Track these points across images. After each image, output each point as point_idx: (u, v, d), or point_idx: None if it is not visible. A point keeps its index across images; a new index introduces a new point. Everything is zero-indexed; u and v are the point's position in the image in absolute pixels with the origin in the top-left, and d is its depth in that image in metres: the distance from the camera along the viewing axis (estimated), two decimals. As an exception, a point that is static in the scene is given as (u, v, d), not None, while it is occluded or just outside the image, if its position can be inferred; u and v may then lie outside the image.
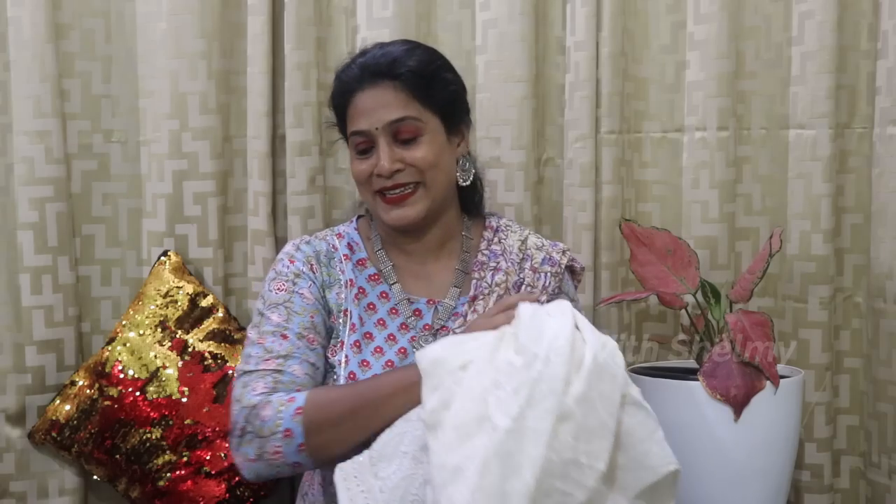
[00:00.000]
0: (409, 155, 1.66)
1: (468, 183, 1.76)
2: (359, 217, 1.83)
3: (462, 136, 1.76)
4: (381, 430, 1.45)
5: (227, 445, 1.95)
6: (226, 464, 1.96)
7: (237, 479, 1.96)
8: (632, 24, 2.12)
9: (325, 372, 1.67)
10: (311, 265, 1.71)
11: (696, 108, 2.11)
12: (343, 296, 1.70)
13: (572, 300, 1.76)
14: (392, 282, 1.72)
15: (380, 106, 1.66)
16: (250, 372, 1.59)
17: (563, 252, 1.79)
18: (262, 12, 2.06)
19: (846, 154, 2.10)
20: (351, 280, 1.71)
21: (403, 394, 1.47)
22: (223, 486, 1.96)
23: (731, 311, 1.86)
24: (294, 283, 1.68)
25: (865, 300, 2.10)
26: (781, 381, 1.78)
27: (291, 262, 1.71)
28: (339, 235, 1.77)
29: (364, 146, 1.68)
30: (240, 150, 2.14)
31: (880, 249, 2.03)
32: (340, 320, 1.69)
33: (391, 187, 1.67)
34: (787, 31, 2.09)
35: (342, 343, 1.67)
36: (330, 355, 1.67)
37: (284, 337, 1.61)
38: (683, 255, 1.92)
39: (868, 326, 2.08)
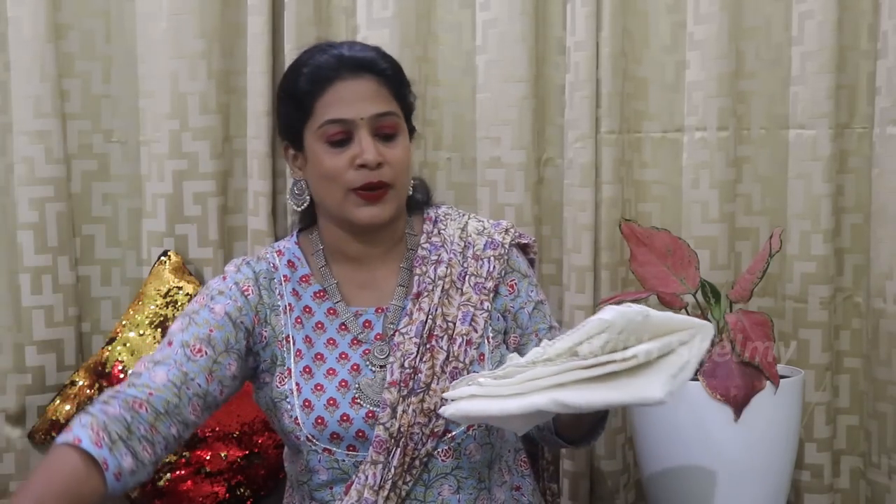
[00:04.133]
0: (389, 153, 1.61)
1: (411, 192, 1.70)
2: (299, 231, 1.75)
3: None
4: None
5: (227, 446, 1.95)
6: (226, 464, 1.96)
7: (237, 479, 1.96)
8: (632, 24, 2.12)
9: (274, 402, 1.61)
10: (249, 288, 1.63)
11: (696, 108, 2.11)
12: (283, 322, 1.63)
13: (525, 276, 1.70)
14: (336, 300, 1.66)
15: (363, 97, 1.60)
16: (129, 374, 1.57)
17: (506, 231, 1.71)
18: (262, 12, 2.06)
19: (846, 154, 2.10)
20: (290, 304, 1.64)
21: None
22: (223, 486, 1.96)
23: (731, 311, 1.87)
24: (212, 299, 1.61)
25: (865, 300, 2.10)
26: (781, 381, 1.78)
27: (224, 279, 1.65)
28: (280, 252, 1.70)
29: (339, 136, 1.60)
30: (240, 150, 2.14)
31: (880, 249, 2.03)
32: (284, 347, 1.62)
33: (376, 184, 1.59)
34: (787, 31, 2.09)
35: (289, 371, 1.60)
36: (278, 384, 1.61)
37: (170, 344, 1.56)
38: (683, 255, 1.92)
39: (868, 326, 2.08)
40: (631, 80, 2.12)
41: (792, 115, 2.10)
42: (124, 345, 2.01)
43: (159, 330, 2.01)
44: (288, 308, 1.64)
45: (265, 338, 1.62)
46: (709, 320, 1.87)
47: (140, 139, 2.12)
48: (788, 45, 2.09)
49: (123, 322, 2.04)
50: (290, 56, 2.06)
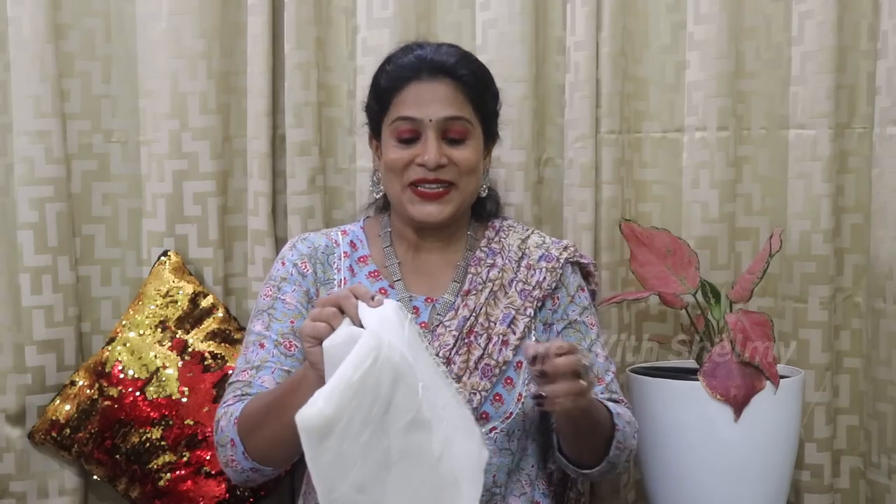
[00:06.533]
0: (457, 153, 1.67)
1: (485, 195, 1.78)
2: (366, 218, 1.84)
3: (488, 152, 1.79)
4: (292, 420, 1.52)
5: (227, 445, 1.95)
6: (226, 464, 1.96)
7: (237, 479, 1.96)
8: (632, 24, 2.12)
9: None
10: (304, 263, 1.72)
11: (696, 108, 2.11)
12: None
13: (570, 295, 1.76)
14: (396, 278, 1.73)
15: (437, 100, 1.67)
16: (231, 383, 1.67)
17: (565, 248, 1.78)
18: (262, 12, 2.06)
19: (846, 154, 2.10)
20: (345, 279, 1.72)
21: (298, 390, 1.48)
22: (223, 486, 1.96)
23: (731, 311, 1.87)
24: (279, 289, 1.71)
25: (865, 300, 2.10)
26: (781, 381, 1.78)
27: (283, 264, 1.74)
28: (344, 232, 1.79)
29: (408, 134, 1.68)
30: (240, 150, 2.14)
31: (880, 249, 2.03)
32: None
33: (432, 180, 1.66)
34: (787, 31, 2.09)
35: None
36: None
37: (262, 346, 1.67)
38: (683, 255, 1.92)
39: (868, 326, 2.08)
40: (631, 80, 2.13)
41: (792, 115, 2.10)
42: (124, 345, 2.01)
43: (159, 330, 2.01)
44: (343, 282, 1.72)
45: None
46: (709, 320, 1.88)
47: (140, 139, 2.12)
48: (788, 45, 2.09)
49: (123, 322, 2.04)
50: (290, 56, 2.06)
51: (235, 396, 1.64)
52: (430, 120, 1.66)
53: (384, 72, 1.73)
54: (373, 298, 1.38)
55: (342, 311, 1.37)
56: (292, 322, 1.67)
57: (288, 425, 1.50)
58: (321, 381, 1.35)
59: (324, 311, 1.38)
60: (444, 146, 1.67)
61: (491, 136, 1.77)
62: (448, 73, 1.68)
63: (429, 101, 1.66)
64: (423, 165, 1.66)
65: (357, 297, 1.38)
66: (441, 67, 1.68)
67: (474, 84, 1.70)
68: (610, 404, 1.71)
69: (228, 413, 1.61)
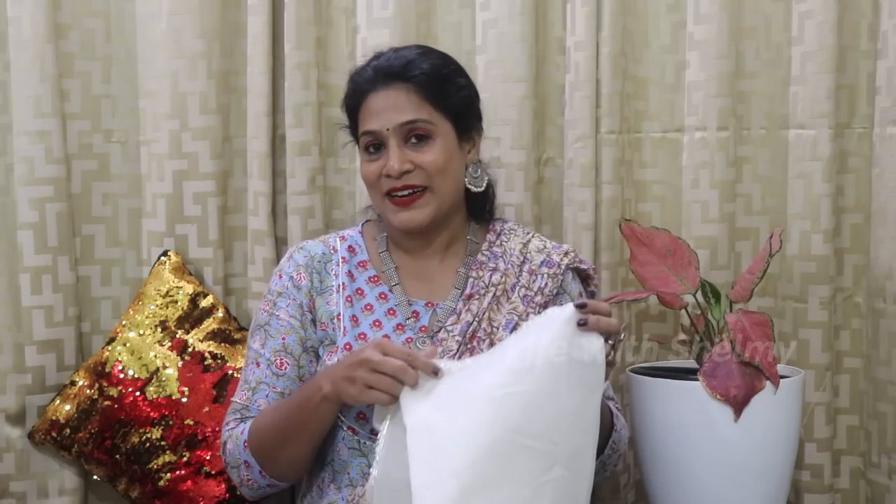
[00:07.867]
0: (420, 157, 1.66)
1: (481, 189, 1.76)
2: (365, 221, 1.84)
3: (473, 143, 1.76)
4: (311, 440, 1.58)
5: (227, 445, 1.95)
6: (226, 464, 1.96)
7: (237, 479, 1.96)
8: (632, 24, 2.12)
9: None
10: (300, 275, 1.72)
11: (696, 108, 2.11)
12: (334, 301, 1.70)
13: (573, 300, 1.76)
14: (393, 283, 1.72)
15: (391, 107, 1.66)
16: (232, 401, 1.71)
17: (566, 253, 1.78)
18: (262, 12, 2.06)
19: (846, 154, 2.10)
20: (343, 284, 1.71)
21: (316, 407, 1.54)
22: (223, 486, 1.96)
23: (731, 311, 1.86)
24: (274, 304, 1.72)
25: (865, 300, 2.10)
26: (781, 381, 1.78)
27: (280, 277, 1.74)
28: (342, 238, 1.78)
29: (374, 147, 1.68)
30: (240, 150, 2.14)
31: (880, 249, 2.03)
32: (333, 325, 1.69)
33: (400, 188, 1.66)
34: (787, 31, 2.09)
35: (337, 348, 1.68)
36: (327, 359, 1.68)
37: (258, 365, 1.69)
38: (683, 255, 1.92)
39: (868, 326, 2.08)
40: (631, 80, 2.13)
41: (792, 115, 2.10)
42: (124, 345, 2.01)
43: (159, 330, 2.01)
44: (341, 287, 1.71)
45: (319, 318, 1.70)
46: (709, 320, 1.88)
47: (140, 139, 2.12)
48: (788, 45, 2.09)
49: (123, 322, 2.04)
50: (290, 56, 2.06)
51: (236, 420, 1.67)
52: (388, 129, 1.66)
53: (348, 90, 1.75)
54: (436, 373, 1.41)
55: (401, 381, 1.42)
56: (283, 339, 1.69)
57: (307, 444, 1.58)
58: (335, 405, 1.51)
59: (381, 381, 1.42)
60: (408, 151, 1.66)
61: (466, 128, 1.74)
62: (398, 77, 1.67)
63: (384, 110, 1.66)
64: (389, 175, 1.66)
65: (414, 366, 1.41)
66: (391, 73, 1.68)
67: (428, 83, 1.67)
68: (612, 406, 1.70)
69: (234, 437, 1.64)
